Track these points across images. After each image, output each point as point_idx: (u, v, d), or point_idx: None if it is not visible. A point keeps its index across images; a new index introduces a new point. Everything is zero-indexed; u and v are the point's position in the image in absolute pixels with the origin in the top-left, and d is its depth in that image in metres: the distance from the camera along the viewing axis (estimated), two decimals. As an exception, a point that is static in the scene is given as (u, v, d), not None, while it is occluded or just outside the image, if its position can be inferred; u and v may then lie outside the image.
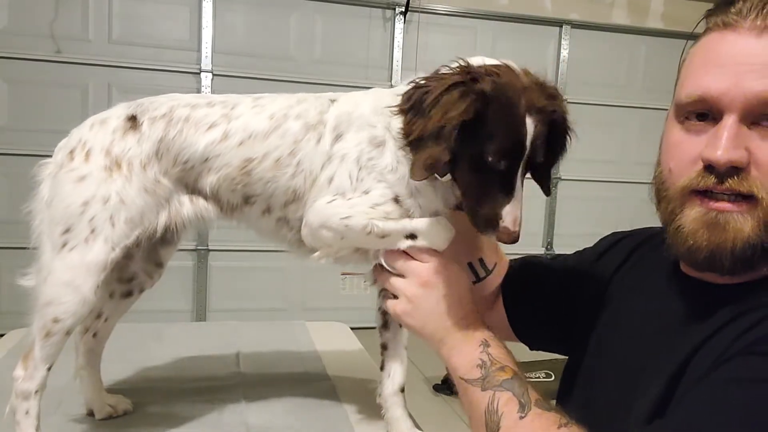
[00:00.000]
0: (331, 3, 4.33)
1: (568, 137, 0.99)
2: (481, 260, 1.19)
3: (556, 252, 4.82)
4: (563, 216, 4.86)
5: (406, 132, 0.96)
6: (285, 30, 4.31)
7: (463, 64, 0.95)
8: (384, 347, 1.22)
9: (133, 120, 1.09)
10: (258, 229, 1.20)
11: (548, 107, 0.93)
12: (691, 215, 0.85)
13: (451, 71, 0.95)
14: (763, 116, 0.80)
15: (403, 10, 4.39)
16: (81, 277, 1.03)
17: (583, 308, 1.11)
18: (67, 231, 1.04)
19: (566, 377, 1.13)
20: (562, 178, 4.73)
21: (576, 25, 4.76)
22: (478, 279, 1.20)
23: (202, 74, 4.13)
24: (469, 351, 0.97)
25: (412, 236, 1.04)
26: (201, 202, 1.14)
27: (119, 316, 1.28)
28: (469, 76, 0.92)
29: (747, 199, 0.81)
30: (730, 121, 0.81)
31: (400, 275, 1.06)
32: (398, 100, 0.99)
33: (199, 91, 4.05)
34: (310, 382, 1.50)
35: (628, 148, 4.93)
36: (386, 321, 1.21)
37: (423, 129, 0.93)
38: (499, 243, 1.00)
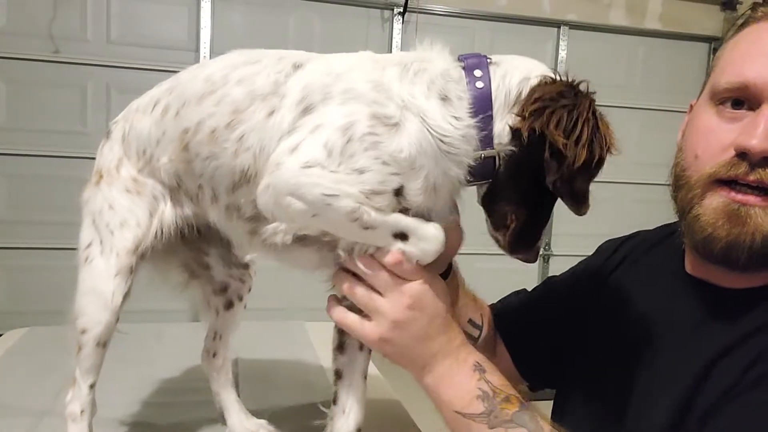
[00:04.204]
0: (329, 4, 4.33)
1: None
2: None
3: (554, 253, 4.83)
4: (561, 217, 4.84)
5: (572, 157, 0.87)
6: (283, 31, 4.30)
7: (566, 79, 0.90)
8: (338, 375, 1.03)
9: (108, 133, 1.11)
10: (219, 226, 1.02)
11: None
12: (712, 205, 0.83)
13: (577, 84, 0.89)
14: None
15: (402, 10, 4.38)
16: (99, 284, 1.03)
17: (582, 329, 1.08)
18: (87, 247, 1.05)
19: (560, 392, 1.10)
20: (560, 178, 4.73)
21: (574, 26, 4.76)
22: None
23: (201, 74, 4.13)
24: (464, 380, 0.85)
25: (402, 236, 0.85)
26: (183, 198, 1.04)
27: (232, 331, 1.29)
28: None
29: None
30: None
31: (375, 290, 0.88)
32: (411, 77, 0.86)
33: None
34: (309, 383, 1.51)
35: (626, 149, 4.89)
36: (343, 342, 1.04)
37: (589, 158, 0.89)
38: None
